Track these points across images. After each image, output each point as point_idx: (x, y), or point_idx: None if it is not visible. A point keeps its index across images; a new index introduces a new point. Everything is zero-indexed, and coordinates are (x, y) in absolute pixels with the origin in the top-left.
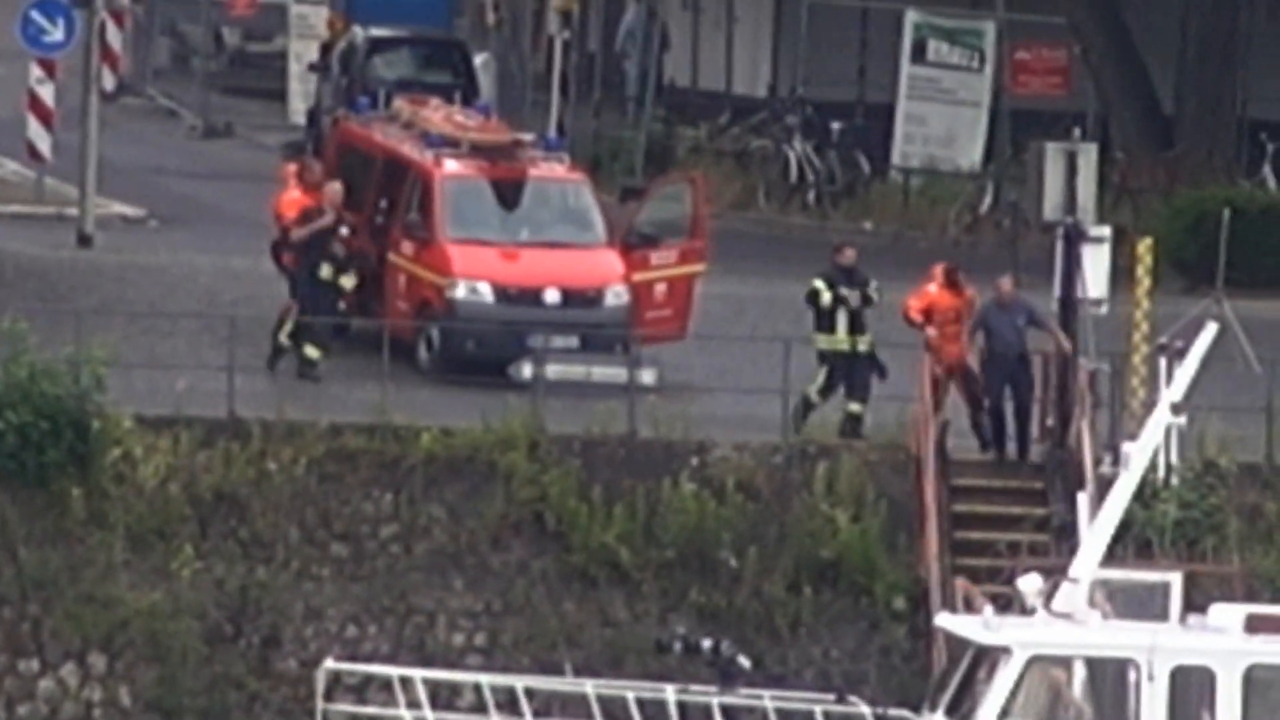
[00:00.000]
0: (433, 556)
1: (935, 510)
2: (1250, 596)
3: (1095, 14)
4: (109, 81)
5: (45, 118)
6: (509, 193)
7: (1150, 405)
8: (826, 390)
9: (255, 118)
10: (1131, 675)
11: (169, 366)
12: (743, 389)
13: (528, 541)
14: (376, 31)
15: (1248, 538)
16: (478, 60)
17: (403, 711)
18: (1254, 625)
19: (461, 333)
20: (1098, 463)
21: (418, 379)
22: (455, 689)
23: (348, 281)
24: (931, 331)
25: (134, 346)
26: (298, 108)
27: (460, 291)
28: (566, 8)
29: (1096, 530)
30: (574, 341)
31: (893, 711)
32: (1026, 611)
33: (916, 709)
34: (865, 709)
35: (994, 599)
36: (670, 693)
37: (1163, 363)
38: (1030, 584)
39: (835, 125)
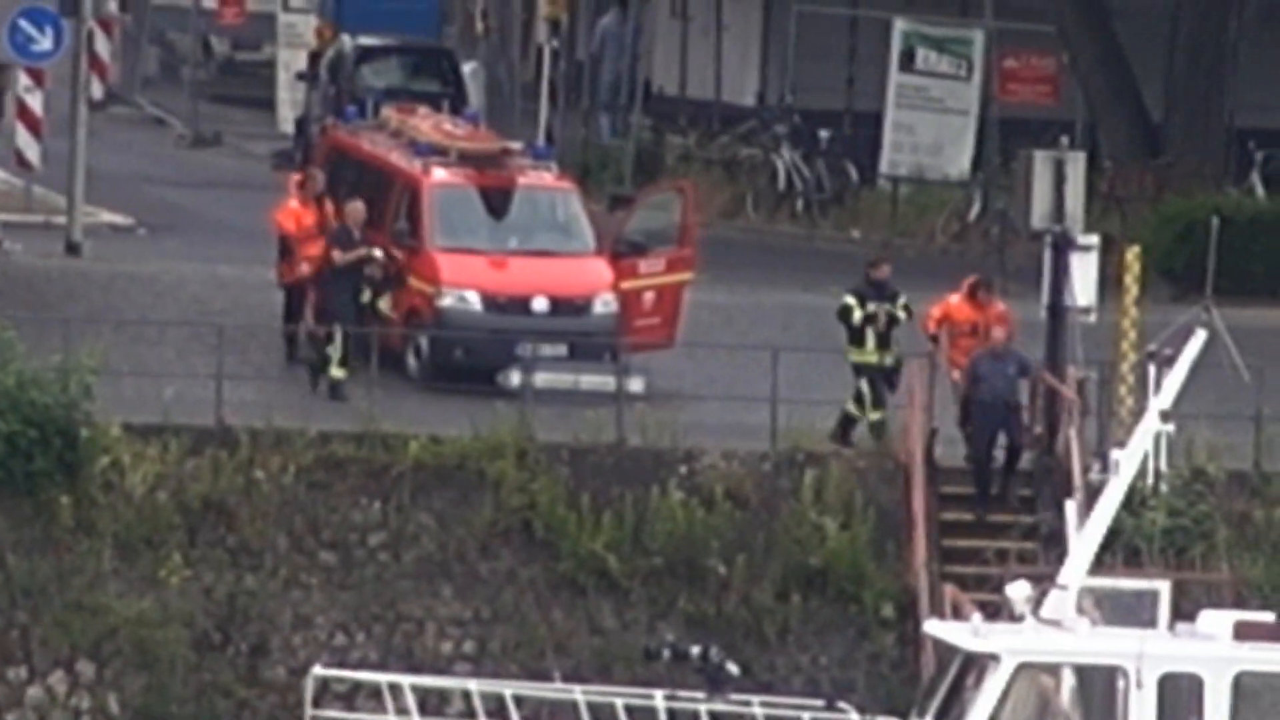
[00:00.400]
0: (421, 564)
1: (924, 518)
2: (1239, 604)
3: (1084, 22)
4: (97, 90)
5: (34, 126)
6: (497, 201)
7: (1139, 413)
8: (863, 402)
9: (244, 126)
10: (1120, 682)
11: (157, 375)
12: (731, 397)
13: (516, 549)
14: (365, 40)
15: (1236, 545)
16: (466, 69)
17: (391, 718)
18: (1242, 633)
19: (450, 341)
20: (1086, 470)
21: (406, 387)
22: (444, 696)
23: (384, 304)
24: (940, 341)
25: (122, 355)
26: (286, 116)
27: (449, 300)
28: (555, 16)
29: (1085, 538)
30: (562, 350)
31: (881, 718)
32: (1015, 619)
33: (905, 716)
34: (854, 716)
35: (982, 606)
36: (659, 699)
37: (1151, 371)
38: (1019, 591)
39: (824, 134)
